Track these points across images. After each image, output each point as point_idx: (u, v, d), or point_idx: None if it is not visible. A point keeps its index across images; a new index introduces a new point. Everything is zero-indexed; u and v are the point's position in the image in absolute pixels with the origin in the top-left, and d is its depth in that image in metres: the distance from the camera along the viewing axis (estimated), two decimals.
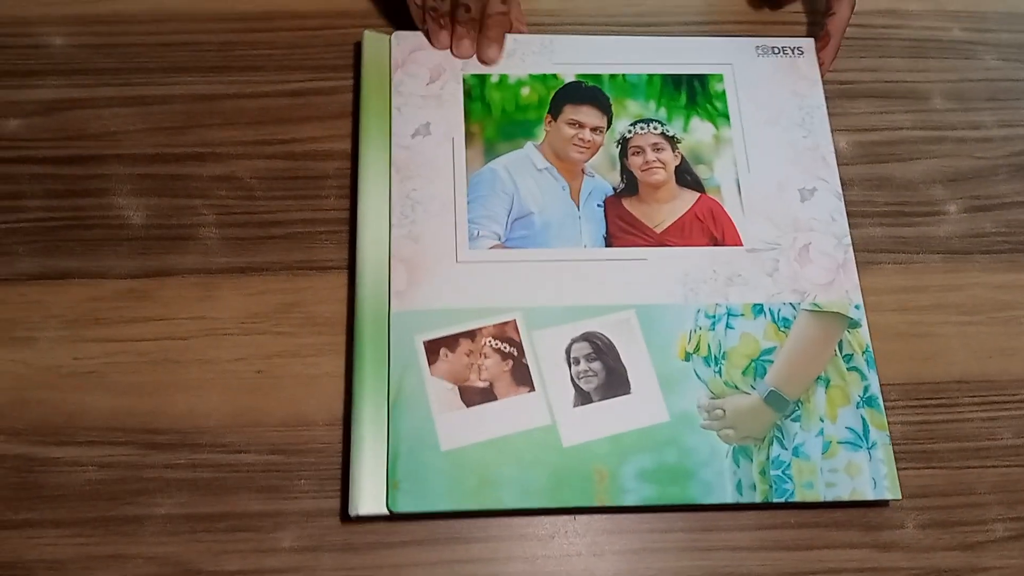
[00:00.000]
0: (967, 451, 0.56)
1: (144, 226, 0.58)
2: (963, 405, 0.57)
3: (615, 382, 0.54)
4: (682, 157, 0.61)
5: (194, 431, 0.53)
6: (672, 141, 0.61)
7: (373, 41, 0.62)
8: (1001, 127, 0.66)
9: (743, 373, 0.55)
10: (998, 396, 0.57)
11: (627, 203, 0.59)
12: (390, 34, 0.62)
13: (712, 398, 0.54)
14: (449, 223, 0.57)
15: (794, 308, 0.57)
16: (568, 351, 0.54)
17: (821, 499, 0.52)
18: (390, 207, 0.57)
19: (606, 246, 0.58)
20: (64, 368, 0.54)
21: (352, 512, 0.49)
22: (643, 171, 0.60)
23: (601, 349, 0.54)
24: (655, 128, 0.62)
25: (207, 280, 0.56)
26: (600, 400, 0.53)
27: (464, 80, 0.62)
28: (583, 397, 0.53)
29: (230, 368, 0.54)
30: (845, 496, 0.52)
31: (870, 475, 0.53)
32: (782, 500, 0.52)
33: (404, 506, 0.50)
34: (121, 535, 0.50)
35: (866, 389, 0.55)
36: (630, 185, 0.60)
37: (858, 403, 0.55)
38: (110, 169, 0.59)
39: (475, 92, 0.61)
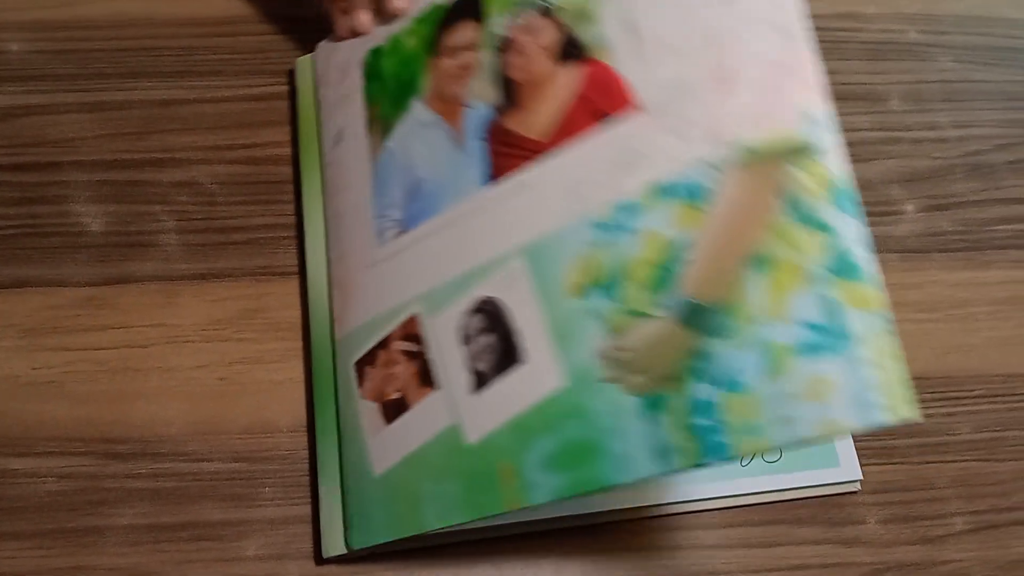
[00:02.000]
0: (927, 446, 0.56)
1: (103, 233, 0.57)
2: (922, 401, 0.58)
3: (508, 353, 0.44)
4: (566, 29, 0.47)
5: (155, 440, 0.52)
6: (549, 13, 0.47)
7: (304, 66, 0.60)
8: (956, 128, 0.67)
9: (650, 289, 0.40)
10: (956, 392, 0.58)
11: (508, 120, 0.47)
12: None
13: (614, 337, 0.40)
14: (364, 228, 0.52)
15: (716, 169, 0.39)
16: (462, 330, 0.46)
17: (772, 445, 0.36)
18: (326, 232, 0.55)
19: (492, 183, 0.47)
20: (22, 378, 0.53)
21: (324, 554, 0.49)
22: (520, 69, 0.48)
23: (495, 317, 0.45)
24: (529, 7, 0.48)
25: (167, 287, 0.56)
26: (495, 379, 0.44)
27: (364, 64, 0.55)
28: (480, 380, 0.44)
29: (192, 376, 0.54)
30: (812, 433, 0.35)
31: (850, 390, 0.34)
32: (717, 460, 0.37)
33: (358, 542, 0.48)
34: (82, 546, 0.49)
35: (835, 250, 0.36)
36: (510, 96, 0.47)
37: (822, 276, 0.36)
38: (68, 176, 0.59)
39: (372, 70, 0.54)
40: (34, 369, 0.53)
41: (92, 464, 0.51)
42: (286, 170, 0.60)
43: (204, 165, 0.60)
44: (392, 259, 0.50)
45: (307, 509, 0.51)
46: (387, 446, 0.48)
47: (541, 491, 0.41)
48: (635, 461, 0.39)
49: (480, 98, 0.49)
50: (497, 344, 0.44)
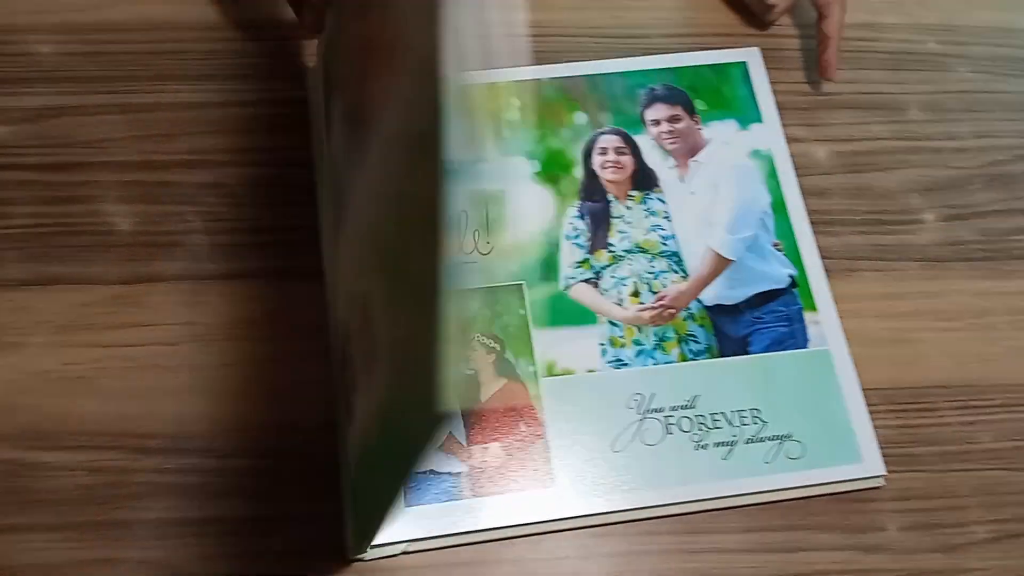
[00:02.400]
0: (948, 455, 0.57)
1: (132, 232, 0.58)
2: (943, 409, 0.58)
3: (374, 352, 0.41)
4: None
5: (183, 436, 0.52)
6: None
7: (314, 74, 0.61)
8: (976, 138, 0.67)
9: None
10: (977, 400, 0.58)
11: None
12: None
13: None
14: (335, 231, 0.52)
15: None
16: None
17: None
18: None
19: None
20: (53, 373, 0.53)
21: (349, 555, 0.50)
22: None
23: (367, 314, 0.42)
24: None
25: (195, 286, 0.56)
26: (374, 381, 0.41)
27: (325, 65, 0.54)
28: (370, 383, 0.42)
29: (218, 373, 0.54)
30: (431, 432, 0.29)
31: (434, 372, 0.27)
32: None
33: (358, 543, 0.48)
34: (111, 540, 0.50)
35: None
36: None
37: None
38: (98, 176, 0.59)
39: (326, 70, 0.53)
40: (65, 365, 0.54)
41: (121, 459, 0.52)
42: (311, 172, 0.60)
43: (231, 167, 0.60)
44: (339, 261, 0.50)
45: (332, 507, 0.51)
46: (354, 450, 0.49)
47: (386, 499, 0.39)
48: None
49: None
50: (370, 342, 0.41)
